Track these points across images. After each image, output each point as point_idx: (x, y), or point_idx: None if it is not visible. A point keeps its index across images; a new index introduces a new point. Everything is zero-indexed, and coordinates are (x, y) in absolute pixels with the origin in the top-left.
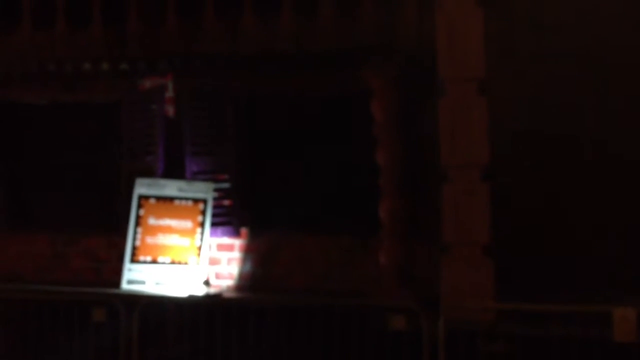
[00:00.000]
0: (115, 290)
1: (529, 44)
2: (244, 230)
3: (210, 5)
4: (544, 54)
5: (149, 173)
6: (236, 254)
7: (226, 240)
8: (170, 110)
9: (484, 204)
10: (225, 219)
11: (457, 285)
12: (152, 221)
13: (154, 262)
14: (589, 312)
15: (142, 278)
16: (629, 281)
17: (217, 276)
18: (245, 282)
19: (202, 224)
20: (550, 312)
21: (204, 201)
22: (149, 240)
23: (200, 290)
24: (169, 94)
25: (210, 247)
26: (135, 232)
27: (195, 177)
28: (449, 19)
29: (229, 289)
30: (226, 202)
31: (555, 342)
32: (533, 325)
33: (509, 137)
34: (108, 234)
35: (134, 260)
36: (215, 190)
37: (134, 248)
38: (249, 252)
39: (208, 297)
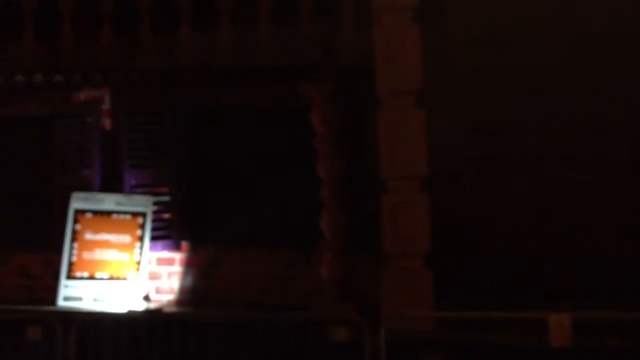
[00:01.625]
0: (51, 308)
1: (465, 58)
2: (184, 244)
3: (146, 18)
4: (479, 68)
5: (85, 187)
6: (177, 268)
7: (166, 254)
8: (107, 123)
9: (423, 214)
10: (165, 232)
11: (397, 296)
12: (88, 236)
13: (92, 277)
14: (526, 319)
15: (79, 294)
16: (563, 288)
17: (158, 291)
18: (186, 297)
19: (141, 238)
20: (488, 319)
21: (143, 215)
22: (86, 255)
23: (140, 306)
24: (106, 106)
25: (150, 261)
26: (71, 248)
27: (133, 190)
28: (386, 34)
29: (169, 303)
30: (166, 216)
31: (494, 349)
32: (473, 333)
33: (447, 148)
34: (42, 251)
35: (70, 276)
36: (155, 203)
37: (70, 264)
38: (189, 265)
39: (148, 313)
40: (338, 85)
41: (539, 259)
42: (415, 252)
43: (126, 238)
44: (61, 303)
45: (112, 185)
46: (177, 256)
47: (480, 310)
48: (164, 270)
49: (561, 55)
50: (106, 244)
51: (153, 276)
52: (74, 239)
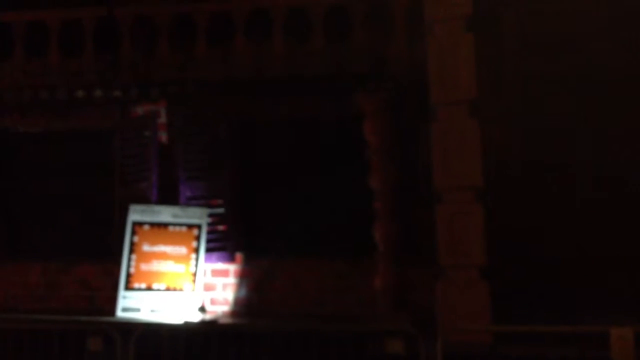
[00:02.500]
0: (111, 319)
1: (519, 65)
2: (238, 256)
3: (202, 31)
4: (534, 75)
5: (143, 199)
6: (231, 280)
7: (221, 265)
8: (163, 136)
9: (478, 225)
10: (220, 244)
11: (453, 308)
12: (146, 248)
13: (149, 289)
14: (586, 333)
15: (137, 305)
16: (627, 301)
17: (213, 302)
18: (241, 308)
19: (196, 250)
20: (547, 333)
21: (199, 227)
22: (144, 267)
23: (195, 317)
24: (162, 120)
25: (205, 272)
26: (129, 259)
27: (189, 202)
28: (440, 44)
29: (224, 314)
30: (221, 227)
31: None
32: (531, 346)
33: (502, 157)
34: (102, 262)
35: (128, 287)
36: (210, 215)
37: (129, 275)
38: (243, 277)
39: (204, 324)
40: (390, 96)
41: (601, 269)
42: (471, 264)
43: (182, 250)
44: (120, 314)
45: (168, 197)
46: (232, 268)
47: (538, 323)
48: (219, 281)
49: (618, 62)
50: (163, 256)
51: (208, 287)
52: (132, 251)
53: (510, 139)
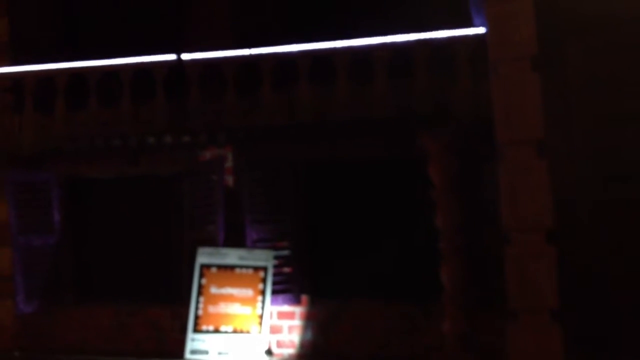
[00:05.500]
0: None
1: (586, 103)
2: (304, 298)
3: (267, 78)
4: (602, 113)
5: (210, 242)
6: (297, 322)
7: (287, 307)
8: (229, 180)
9: (550, 267)
10: (286, 286)
11: (524, 353)
12: (214, 290)
13: (217, 331)
14: None
15: (205, 348)
16: None
17: (279, 344)
18: (307, 350)
19: (263, 292)
20: None
21: (265, 269)
22: (211, 309)
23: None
24: (229, 164)
25: (271, 315)
26: (197, 302)
27: (255, 245)
28: (504, 84)
29: (291, 357)
30: (286, 270)
31: None
32: None
33: (573, 197)
34: (170, 304)
35: (196, 329)
36: (275, 257)
37: (197, 317)
38: (309, 319)
39: None
40: (454, 136)
41: None
42: (543, 307)
43: (249, 292)
44: (188, 356)
45: (235, 239)
46: (298, 310)
47: None
48: (285, 323)
49: None
50: (230, 298)
51: (274, 330)
52: (200, 293)
53: (579, 176)
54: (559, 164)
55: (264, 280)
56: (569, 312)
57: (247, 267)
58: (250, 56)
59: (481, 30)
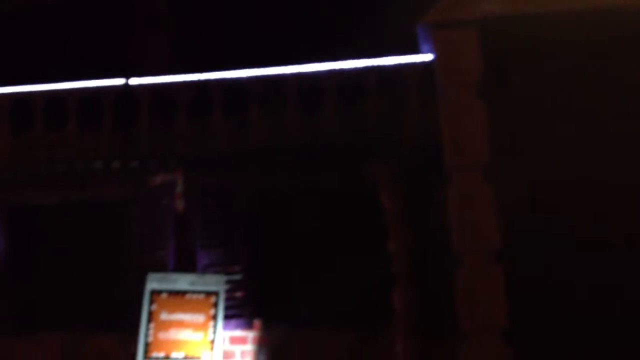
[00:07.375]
0: None
1: (533, 129)
2: (256, 323)
3: (218, 104)
4: (547, 139)
5: (160, 268)
6: (249, 347)
7: (239, 332)
8: (180, 205)
9: (498, 288)
10: (238, 310)
11: None
12: (164, 316)
13: (167, 358)
14: None
15: None
16: None
17: None
18: None
19: (214, 317)
20: None
21: (216, 294)
22: (162, 335)
23: None
24: (179, 189)
25: (223, 340)
26: (147, 328)
27: (206, 270)
28: (451, 110)
29: None
30: (238, 294)
31: None
32: None
33: (519, 216)
34: (119, 332)
35: (147, 357)
36: (227, 282)
37: (147, 344)
38: (262, 344)
39: None
40: (404, 162)
41: (621, 329)
42: (493, 327)
43: (200, 317)
44: None
45: (185, 265)
46: (250, 334)
47: None
48: (237, 349)
49: (637, 125)
50: (181, 324)
51: (227, 355)
52: (150, 319)
53: (525, 201)
54: (505, 187)
55: (215, 305)
56: (519, 332)
57: (198, 292)
58: (200, 81)
59: (429, 56)
